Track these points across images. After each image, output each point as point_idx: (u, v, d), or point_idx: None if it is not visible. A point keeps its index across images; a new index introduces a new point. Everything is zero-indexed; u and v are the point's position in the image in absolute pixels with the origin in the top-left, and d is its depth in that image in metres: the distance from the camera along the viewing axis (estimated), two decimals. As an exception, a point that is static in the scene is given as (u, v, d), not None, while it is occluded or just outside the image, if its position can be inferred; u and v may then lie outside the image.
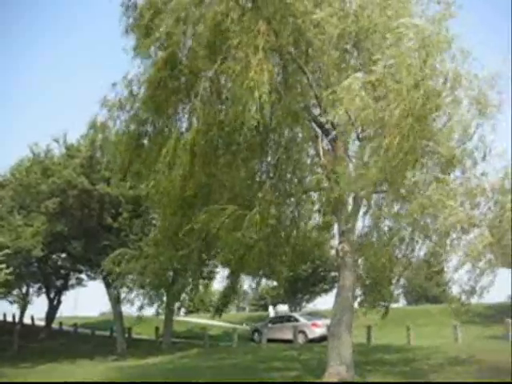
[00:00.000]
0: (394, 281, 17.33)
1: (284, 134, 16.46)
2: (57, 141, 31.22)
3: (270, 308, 43.02)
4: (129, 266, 24.28)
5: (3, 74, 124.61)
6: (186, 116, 16.45)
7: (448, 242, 12.41)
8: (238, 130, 14.79)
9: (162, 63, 14.34)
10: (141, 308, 24.75)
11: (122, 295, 29.70)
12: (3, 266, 26.69)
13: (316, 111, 15.71)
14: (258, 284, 23.75)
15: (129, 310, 29.08)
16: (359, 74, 11.57)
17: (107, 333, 37.39)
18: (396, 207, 13.76)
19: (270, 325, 31.47)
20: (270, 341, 28.81)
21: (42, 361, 30.62)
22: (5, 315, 45.63)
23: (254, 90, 12.35)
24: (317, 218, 18.27)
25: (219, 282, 31.40)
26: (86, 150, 29.41)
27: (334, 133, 14.31)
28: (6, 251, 27.20)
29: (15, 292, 36.56)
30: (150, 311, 26.10)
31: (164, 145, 14.41)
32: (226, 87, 15.19)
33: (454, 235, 12.04)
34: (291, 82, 14.88)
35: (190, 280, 22.26)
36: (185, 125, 16.36)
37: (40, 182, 29.71)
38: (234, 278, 18.88)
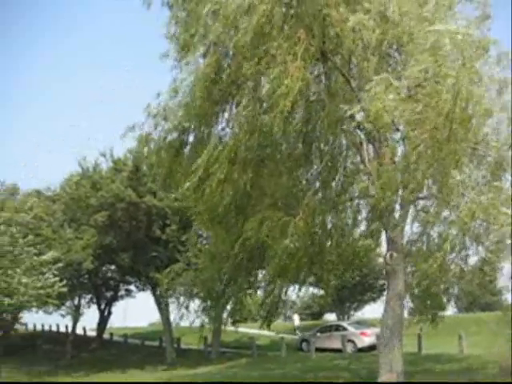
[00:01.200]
0: (445, 289, 16.92)
1: (329, 141, 16.37)
2: (104, 155, 31.97)
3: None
4: (178, 278, 24.68)
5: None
6: (230, 124, 16.50)
7: (501, 248, 12.10)
8: (281, 138, 14.88)
9: (205, 71, 14.45)
10: (191, 320, 24.96)
11: (171, 306, 30.06)
12: (57, 279, 27.50)
13: (360, 117, 15.59)
14: (300, 291, 23.57)
15: (178, 320, 29.39)
16: (396, 82, 11.46)
17: (156, 343, 37.78)
18: (445, 212, 13.46)
19: (318, 334, 31.21)
20: (318, 350, 28.56)
21: (95, 370, 31.29)
22: (58, 326, 46.72)
23: (287, 97, 12.40)
24: (363, 226, 18.04)
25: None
26: (132, 163, 29.99)
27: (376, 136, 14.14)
28: (59, 265, 28.04)
29: (68, 303, 37.37)
30: (198, 321, 26.27)
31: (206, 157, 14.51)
32: (268, 95, 15.21)
33: (508, 241, 11.72)
34: (334, 89, 14.83)
35: (238, 290, 22.27)
36: (227, 133, 16.42)
37: (89, 196, 30.47)
38: (278, 286, 18.79)
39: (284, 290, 18.97)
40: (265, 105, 14.83)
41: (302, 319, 60.38)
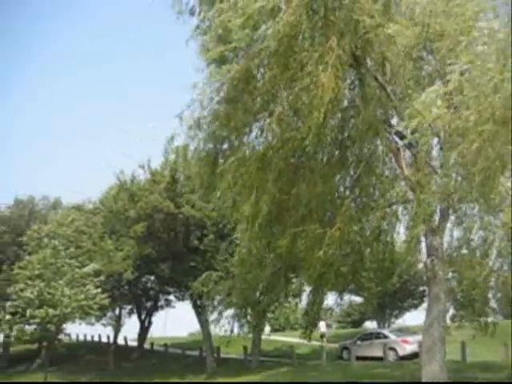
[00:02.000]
0: (489, 295, 16.55)
1: (364, 147, 16.26)
2: (142, 167, 32.45)
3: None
4: (216, 287, 24.76)
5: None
6: (264, 133, 16.52)
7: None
8: (316, 146, 14.82)
9: (236, 81, 14.49)
10: (230, 329, 25.03)
11: (210, 315, 30.15)
12: (99, 290, 28.03)
13: (396, 123, 15.45)
14: (341, 300, 23.35)
15: (218, 329, 29.52)
16: (435, 87, 11.30)
17: (197, 352, 37.93)
18: (488, 217, 13.18)
19: (358, 342, 30.86)
20: (359, 358, 28.24)
21: (136, 379, 31.60)
22: (100, 336, 47.41)
23: (320, 107, 12.37)
24: (403, 232, 17.81)
25: (305, 301, 31.25)
26: (169, 174, 30.33)
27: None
28: (101, 278, 28.57)
29: (109, 314, 37.94)
30: (238, 330, 26.32)
31: (236, 162, 14.59)
32: (300, 103, 15.17)
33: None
34: (369, 95, 14.74)
35: (276, 299, 22.26)
36: (261, 142, 16.42)
37: (128, 208, 30.94)
38: (317, 295, 18.70)
39: (322, 299, 18.82)
40: (300, 113, 14.86)
41: (342, 327, 59.94)
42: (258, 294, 23.99)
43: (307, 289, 27.53)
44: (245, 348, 33.41)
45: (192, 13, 15.96)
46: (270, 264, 16.28)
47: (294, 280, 24.61)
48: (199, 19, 15.57)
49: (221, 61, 14.80)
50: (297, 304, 34.72)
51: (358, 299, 44.54)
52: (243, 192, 14.53)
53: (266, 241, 15.78)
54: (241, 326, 25.95)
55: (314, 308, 19.31)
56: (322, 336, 37.05)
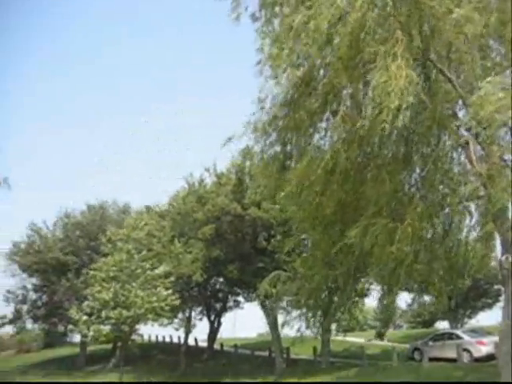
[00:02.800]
0: None
1: (431, 143, 15.91)
2: (208, 170, 33.03)
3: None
4: (284, 288, 24.76)
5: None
6: (328, 134, 16.46)
7: None
8: (382, 144, 14.63)
9: (299, 82, 14.52)
10: (299, 330, 24.98)
11: (279, 316, 30.29)
12: (169, 292, 28.74)
13: (463, 115, 15.03)
14: (414, 300, 22.88)
15: (286, 330, 29.57)
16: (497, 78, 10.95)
17: (266, 353, 38.14)
18: None
19: (430, 343, 30.13)
20: (431, 359, 27.57)
21: (207, 380, 32.11)
22: (171, 337, 48.46)
23: (395, 99, 12.15)
24: (475, 229, 17.26)
25: (373, 300, 30.85)
26: (235, 176, 30.72)
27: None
28: (171, 279, 29.26)
29: (180, 316, 38.74)
30: (307, 331, 26.25)
31: (303, 165, 14.59)
32: (366, 101, 15.02)
33: None
34: (435, 88, 14.42)
35: (345, 299, 22.06)
36: (326, 143, 16.37)
37: (196, 211, 31.55)
38: (388, 294, 18.39)
39: (394, 298, 18.49)
40: (364, 112, 14.70)
41: (412, 328, 58.67)
42: (326, 294, 23.92)
43: (373, 287, 27.37)
44: (314, 349, 33.34)
45: (254, 18, 16.11)
46: (338, 263, 16.14)
47: (362, 280, 24.38)
48: (261, 23, 15.70)
49: (285, 65, 14.90)
50: (364, 304, 34.43)
51: (428, 299, 43.46)
52: (309, 193, 14.51)
53: (335, 240, 15.67)
54: (310, 327, 25.88)
55: (386, 308, 19.00)
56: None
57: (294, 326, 25.23)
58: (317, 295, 20.86)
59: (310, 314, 24.18)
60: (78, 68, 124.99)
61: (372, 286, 29.37)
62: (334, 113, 14.87)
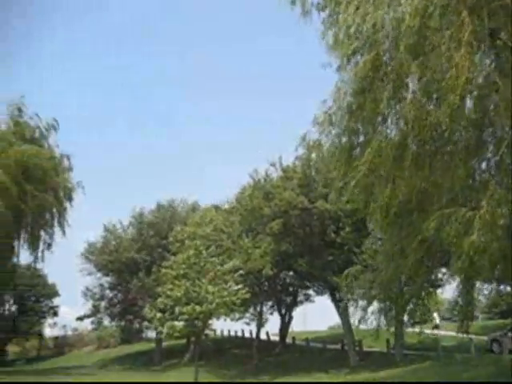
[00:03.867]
0: None
1: (504, 125, 15.31)
2: (273, 165, 33.10)
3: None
4: (356, 281, 24.52)
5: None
6: (394, 122, 16.17)
7: None
8: (452, 129, 14.22)
9: (366, 70, 14.33)
10: (372, 322, 24.71)
11: (350, 309, 30.00)
12: (240, 286, 29.00)
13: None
14: (492, 290, 22.05)
15: (357, 323, 29.30)
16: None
17: (338, 346, 37.93)
18: None
19: (510, 334, 29.08)
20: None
21: (280, 374, 32.26)
22: (243, 332, 49.04)
23: (457, 88, 11.82)
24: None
25: (448, 291, 30.03)
26: (301, 170, 30.67)
27: None
28: (241, 272, 29.53)
29: (251, 310, 39.13)
30: (380, 323, 25.91)
31: (372, 153, 14.39)
32: (434, 86, 14.65)
33: None
34: (507, 68, 13.87)
35: (419, 290, 21.59)
36: (394, 131, 16.09)
37: (263, 206, 31.69)
38: (468, 285, 17.84)
39: (473, 289, 17.93)
40: (432, 97, 14.35)
41: (489, 319, 56.75)
42: (398, 285, 23.52)
43: (449, 279, 26.58)
44: (387, 341, 32.87)
45: (320, 9, 16.01)
46: (411, 254, 15.81)
47: (435, 270, 23.78)
48: (327, 14, 15.60)
49: (352, 54, 14.75)
50: (438, 295, 33.48)
51: (507, 288, 41.82)
52: (379, 182, 14.31)
53: (407, 230, 15.40)
54: (383, 319, 25.54)
55: (467, 299, 18.41)
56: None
57: (366, 319, 25.02)
58: (389, 287, 20.54)
59: (382, 306, 23.88)
60: (145, 60, 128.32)
61: (445, 277, 28.69)
62: (402, 99, 14.60)
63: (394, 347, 32.44)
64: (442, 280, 29.60)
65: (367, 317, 24.82)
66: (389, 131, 15.99)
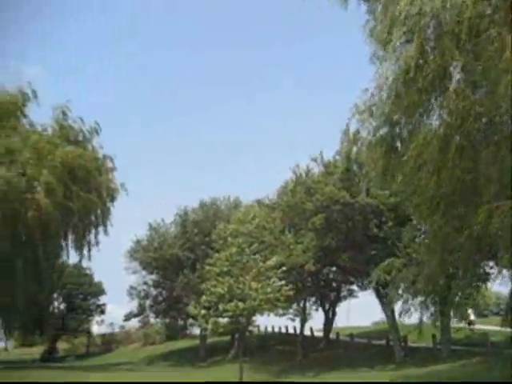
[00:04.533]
0: None
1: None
2: (315, 160, 32.99)
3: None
4: (400, 275, 24.21)
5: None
6: (437, 112, 15.85)
7: None
8: (500, 119, 13.89)
9: (409, 59, 14.10)
10: (417, 318, 24.40)
11: (395, 304, 29.66)
12: (283, 282, 29.01)
13: None
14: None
15: (404, 318, 28.97)
16: None
17: (383, 342, 37.54)
18: None
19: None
20: None
21: (325, 370, 32.13)
22: (287, 328, 49.06)
23: (508, 73, 11.52)
24: None
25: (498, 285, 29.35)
26: (342, 164, 30.49)
27: None
28: (283, 268, 29.54)
29: (294, 306, 39.11)
30: (425, 318, 25.55)
31: (417, 144, 14.16)
32: (479, 75, 14.30)
33: None
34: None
35: (467, 284, 21.19)
36: (436, 122, 15.78)
37: (304, 201, 31.64)
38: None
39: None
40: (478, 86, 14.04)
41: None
42: (444, 279, 23.11)
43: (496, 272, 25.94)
44: (433, 336, 32.37)
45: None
46: (458, 248, 15.53)
47: (483, 263, 23.27)
48: (368, 4, 15.46)
49: (394, 42, 14.54)
50: (487, 289, 32.71)
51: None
52: (425, 176, 14.08)
53: (452, 223, 15.14)
54: (428, 314, 25.19)
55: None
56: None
57: (411, 314, 24.72)
58: (435, 281, 20.23)
59: (428, 301, 23.54)
60: (189, 67, 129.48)
61: (493, 270, 28.04)
62: (445, 89, 14.32)
63: (441, 342, 31.91)
64: (489, 274, 29.00)
65: (412, 311, 24.57)
66: (432, 122, 15.75)
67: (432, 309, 25.42)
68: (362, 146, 18.19)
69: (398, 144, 16.24)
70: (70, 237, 39.39)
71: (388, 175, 17.15)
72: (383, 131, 16.03)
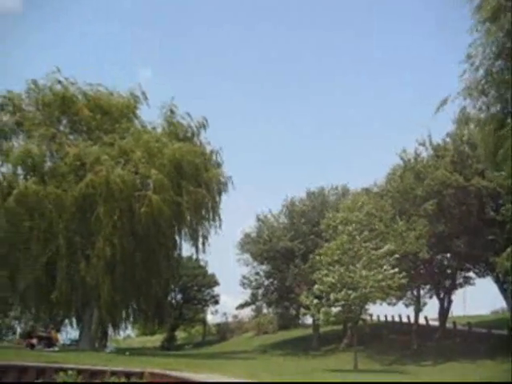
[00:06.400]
0: None
1: None
2: (423, 144, 32.04)
3: None
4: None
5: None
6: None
7: None
8: None
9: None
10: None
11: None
12: (396, 270, 28.55)
13: None
14: None
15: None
16: None
17: (504, 332, 35.68)
18: None
19: None
20: None
21: (441, 360, 31.18)
22: (400, 317, 48.07)
23: None
24: None
25: None
26: (453, 146, 29.43)
27: None
28: (396, 256, 29.05)
29: (408, 294, 38.26)
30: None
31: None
32: None
33: None
34: None
35: None
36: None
37: (414, 187, 30.85)
38: None
39: None
40: None
41: None
42: None
43: None
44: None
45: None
46: None
47: None
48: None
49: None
50: None
51: None
52: None
53: None
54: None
55: None
56: None
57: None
58: None
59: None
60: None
61: None
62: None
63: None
64: None
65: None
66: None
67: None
68: (472, 124, 17.53)
69: (509, 120, 15.50)
70: (183, 231, 40.99)
71: (501, 155, 16.36)
72: (494, 110, 15.35)
